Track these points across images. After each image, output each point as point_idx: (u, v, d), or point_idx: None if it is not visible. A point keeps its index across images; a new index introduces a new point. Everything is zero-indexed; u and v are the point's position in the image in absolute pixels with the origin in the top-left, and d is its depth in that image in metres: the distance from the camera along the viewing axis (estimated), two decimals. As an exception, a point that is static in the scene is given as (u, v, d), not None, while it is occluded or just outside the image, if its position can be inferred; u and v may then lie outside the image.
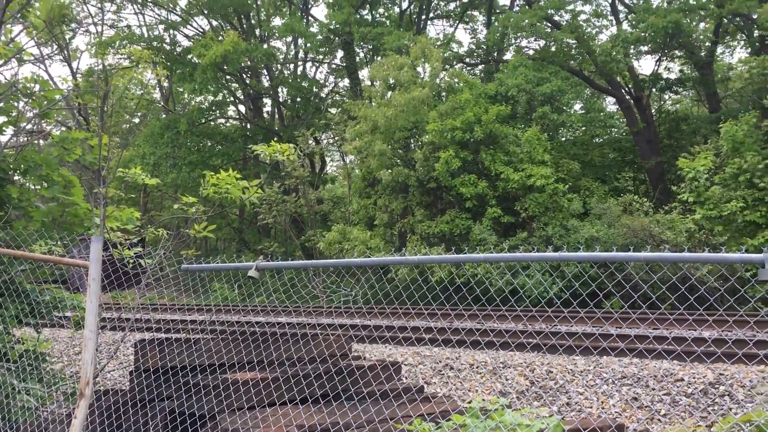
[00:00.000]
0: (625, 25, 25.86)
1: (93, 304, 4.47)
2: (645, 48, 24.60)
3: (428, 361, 9.60)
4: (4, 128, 7.70)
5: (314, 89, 33.95)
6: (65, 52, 35.86)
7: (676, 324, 11.24)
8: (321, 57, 35.35)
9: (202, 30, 34.51)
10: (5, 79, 7.91)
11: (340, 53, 33.61)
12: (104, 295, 4.85)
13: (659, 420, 7.09)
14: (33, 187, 7.75)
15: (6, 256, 5.74)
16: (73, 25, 34.44)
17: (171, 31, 35.46)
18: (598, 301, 15.46)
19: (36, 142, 8.38)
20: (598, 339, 9.80)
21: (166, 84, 36.37)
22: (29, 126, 7.09)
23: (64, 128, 32.82)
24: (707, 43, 24.89)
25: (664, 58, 26.94)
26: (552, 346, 9.33)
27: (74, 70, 36.70)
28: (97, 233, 5.53)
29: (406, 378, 9.01)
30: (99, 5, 34.31)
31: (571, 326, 11.58)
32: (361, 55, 31.63)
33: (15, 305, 6.04)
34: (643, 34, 21.68)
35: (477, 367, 9.08)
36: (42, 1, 7.36)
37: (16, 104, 7.43)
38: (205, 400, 4.77)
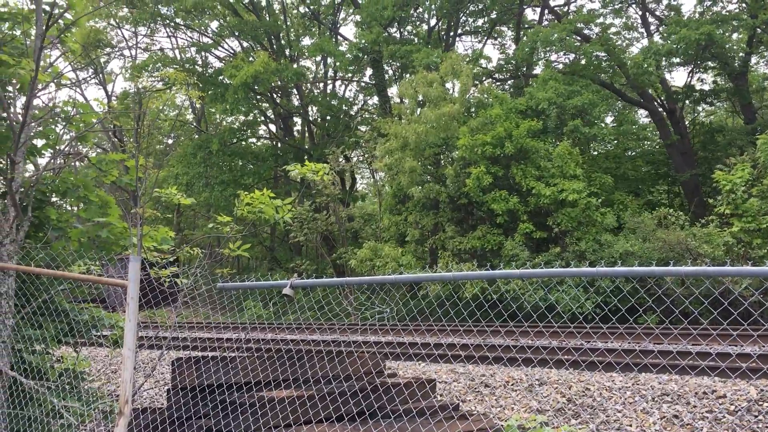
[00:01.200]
0: (656, 38, 25.64)
1: (131, 323, 4.52)
2: (677, 60, 24.34)
3: (463, 378, 9.52)
4: (43, 151, 7.90)
5: (344, 107, 34.20)
6: (100, 76, 36.71)
7: (718, 339, 11.00)
8: (350, 75, 35.63)
9: (233, 51, 35.06)
10: (43, 102, 8.11)
11: (369, 71, 33.86)
12: (141, 313, 4.91)
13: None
14: (71, 208, 7.93)
15: (46, 276, 5.85)
16: (108, 49, 35.25)
17: (203, 53, 36.10)
18: (636, 317, 15.21)
19: (73, 164, 8.56)
20: (637, 355, 9.63)
21: (198, 105, 36.97)
22: (66, 148, 7.24)
23: (100, 150, 33.57)
24: (741, 54, 24.54)
25: (697, 69, 26.63)
26: (589, 362, 9.18)
27: (109, 93, 37.51)
28: (135, 253, 5.61)
29: (441, 395, 8.94)
30: (133, 29, 35.09)
31: (609, 342, 11.40)
32: (390, 72, 31.81)
33: (55, 325, 6.15)
34: (675, 46, 21.45)
35: (513, 384, 8.97)
36: (79, 26, 7.53)
37: (54, 128, 7.62)
38: (242, 418, 4.79)
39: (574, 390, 8.39)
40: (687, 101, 26.97)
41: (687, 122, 27.78)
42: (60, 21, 6.81)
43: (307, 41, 35.26)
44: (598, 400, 8.01)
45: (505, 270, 4.15)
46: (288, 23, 34.14)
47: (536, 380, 8.91)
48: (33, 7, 6.96)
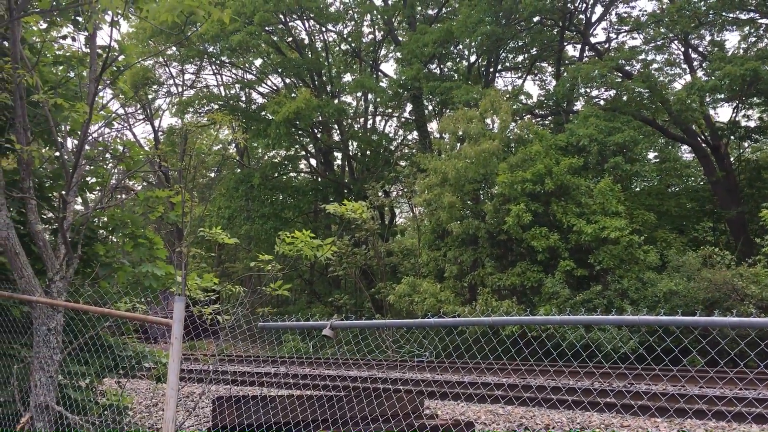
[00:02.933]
0: (699, 73, 25.39)
1: (175, 362, 4.61)
2: (721, 96, 24.00)
3: (502, 420, 9.38)
4: (93, 188, 8.16)
5: (383, 142, 34.51)
6: (147, 112, 37.78)
7: (765, 387, 10.64)
8: (390, 111, 36.02)
9: (276, 87, 35.79)
10: (92, 138, 8.41)
11: (409, 107, 34.18)
12: (183, 346, 4.99)
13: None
14: (117, 241, 8.14)
15: (93, 313, 6.01)
16: (155, 87, 36.33)
17: (247, 90, 36.92)
18: (680, 360, 14.83)
19: (120, 198, 8.79)
20: (683, 402, 9.37)
21: (242, 142, 37.74)
22: (114, 183, 7.48)
23: (145, 183, 34.38)
24: (788, 90, 24.07)
25: (743, 105, 26.21)
26: (633, 409, 8.97)
27: (156, 128, 38.52)
28: (179, 291, 5.73)
29: (480, 438, 8.81)
30: (180, 67, 36.12)
31: (651, 386, 11.12)
32: (430, 108, 32.06)
33: (100, 360, 6.28)
34: (719, 82, 21.19)
35: (553, 428, 8.81)
36: (129, 68, 7.82)
37: (104, 166, 7.88)
38: (281, 460, 4.81)
39: (617, 435, 8.20)
40: (732, 137, 26.51)
41: (732, 158, 27.27)
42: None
43: (348, 77, 35.85)
44: (641, 447, 7.81)
45: (546, 316, 4.13)
46: (330, 60, 34.77)
47: (578, 425, 8.73)
48: (87, 50, 7.27)
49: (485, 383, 12.02)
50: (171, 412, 4.58)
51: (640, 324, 3.89)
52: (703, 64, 26.55)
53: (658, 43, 26.71)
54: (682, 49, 27.47)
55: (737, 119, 26.45)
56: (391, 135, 37.45)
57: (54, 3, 6.74)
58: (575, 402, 9.84)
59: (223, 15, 5.40)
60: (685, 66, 27.88)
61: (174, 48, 31.80)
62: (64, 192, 5.97)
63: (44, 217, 7.20)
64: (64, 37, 7.62)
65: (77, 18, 7.15)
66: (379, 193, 27.41)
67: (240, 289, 6.60)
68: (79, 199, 7.86)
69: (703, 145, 25.36)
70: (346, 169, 36.02)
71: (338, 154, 36.65)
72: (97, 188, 8.02)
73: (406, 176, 27.21)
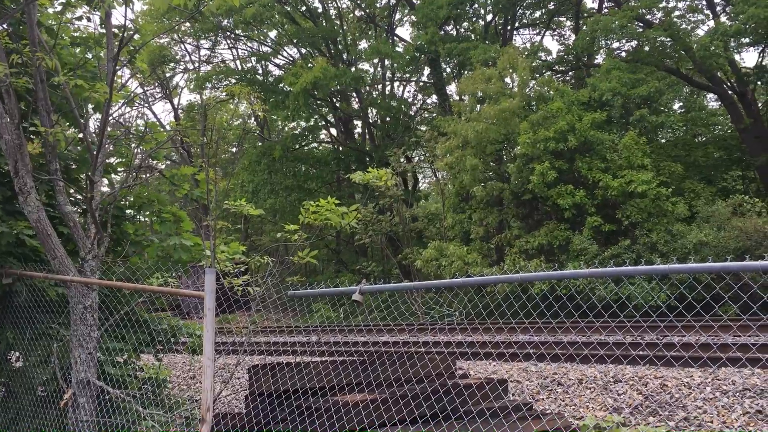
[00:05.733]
0: (723, 18, 24.71)
1: (209, 333, 4.69)
2: (746, 40, 23.36)
3: (535, 377, 9.43)
4: (117, 168, 8.26)
5: (403, 108, 34.29)
6: (166, 90, 37.91)
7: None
8: (408, 76, 35.70)
9: (292, 58, 35.63)
10: (114, 119, 8.48)
11: (426, 70, 33.83)
12: (215, 319, 5.07)
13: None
14: (145, 219, 8.26)
15: (126, 289, 6.12)
16: (172, 64, 36.39)
17: (263, 62, 36.81)
18: (712, 310, 14.73)
19: (144, 176, 8.89)
20: (716, 350, 9.33)
21: (262, 116, 37.79)
22: (138, 163, 7.56)
23: (169, 162, 34.66)
24: (816, 30, 23.36)
25: (769, 49, 25.49)
26: (665, 358, 8.96)
27: (175, 106, 38.67)
28: (209, 264, 5.81)
29: (514, 395, 8.88)
30: (195, 43, 36.08)
31: (685, 337, 11.08)
32: (448, 70, 31.71)
33: (137, 336, 6.42)
34: (743, 26, 20.63)
35: (586, 383, 8.84)
36: (145, 47, 7.83)
37: (128, 146, 7.96)
38: (318, 423, 4.90)
39: (651, 387, 8.21)
40: (759, 82, 25.85)
41: (760, 104, 26.63)
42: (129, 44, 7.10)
43: (364, 44, 35.54)
44: (676, 397, 7.82)
45: (575, 270, 4.12)
46: (344, 28, 34.48)
47: (611, 378, 8.75)
48: (103, 31, 7.30)
49: (516, 341, 12.07)
50: (209, 381, 4.68)
51: (669, 273, 3.87)
52: (727, 9, 25.82)
53: (680, -12, 26.02)
54: (705, -6, 26.73)
55: (764, 63, 25.76)
56: (410, 100, 37.20)
57: (67, -16, 6.75)
58: (607, 355, 9.85)
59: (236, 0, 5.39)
60: (707, 12, 27.12)
61: (188, 24, 31.73)
62: (90, 172, 6.05)
63: (72, 199, 7.31)
64: (80, 18, 7.67)
65: (91, -2, 7.17)
66: (401, 159, 27.32)
67: (268, 259, 6.66)
68: (105, 181, 7.96)
69: (730, 92, 24.80)
70: (367, 136, 35.93)
71: (358, 123, 36.56)
72: (121, 169, 8.12)
73: (427, 141, 27.06)
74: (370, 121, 34.95)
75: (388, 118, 33.89)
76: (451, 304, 17.80)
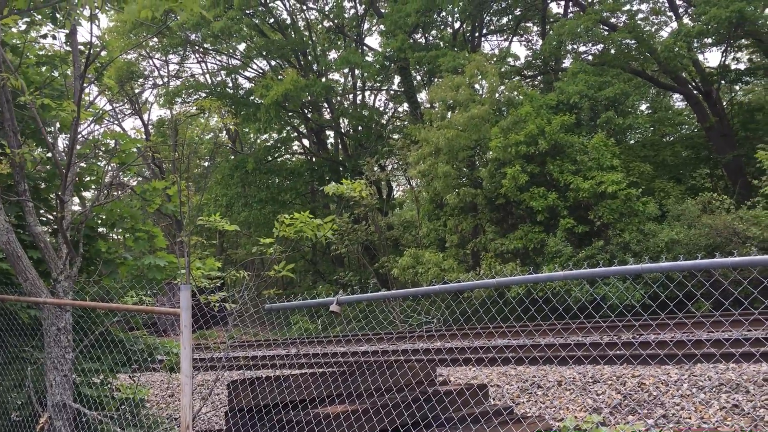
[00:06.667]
0: (685, 19, 25.20)
1: (186, 350, 4.65)
2: (709, 40, 23.86)
3: (514, 381, 9.48)
4: (89, 186, 8.16)
5: (374, 117, 34.37)
6: (136, 106, 37.58)
7: (765, 321, 10.74)
8: (378, 84, 35.81)
9: (262, 70, 35.54)
10: (83, 137, 8.38)
11: (397, 79, 33.97)
12: (192, 335, 5.03)
13: (766, 426, 6.78)
14: (118, 237, 8.16)
15: (101, 309, 6.04)
16: (141, 80, 36.10)
17: (233, 76, 36.68)
18: (685, 307, 14.96)
19: (116, 193, 8.80)
20: (690, 346, 9.47)
21: (233, 129, 37.63)
22: (110, 180, 7.47)
23: (141, 178, 34.31)
24: (775, 29, 23.93)
25: (731, 48, 26.05)
26: (641, 357, 9.07)
27: (146, 122, 38.34)
28: (184, 280, 5.76)
29: (494, 399, 8.92)
30: (163, 58, 35.84)
31: (661, 335, 11.23)
32: (418, 78, 31.88)
33: (112, 356, 6.34)
34: (705, 26, 21.05)
35: (566, 384, 8.91)
36: (113, 63, 7.76)
37: (98, 162, 7.87)
38: (299, 436, 4.87)
39: (629, 386, 8.30)
40: (723, 81, 26.38)
41: (725, 103, 27.17)
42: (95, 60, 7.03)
43: (333, 55, 35.59)
44: (654, 395, 7.91)
45: (550, 273, 4.17)
46: (314, 39, 34.50)
47: (590, 378, 8.83)
48: (69, 48, 7.22)
49: (495, 346, 12.13)
50: (187, 398, 4.63)
51: (642, 272, 3.93)
52: (689, 10, 26.34)
53: (642, -9, 26.51)
54: (667, -3, 27.26)
55: (727, 63, 26.32)
56: (381, 109, 37.30)
57: (31, 2, 6.67)
58: (585, 356, 9.95)
59: (207, 13, 5.39)
60: (670, 14, 27.68)
61: (156, 39, 31.53)
62: (60, 192, 5.97)
63: (43, 219, 7.21)
64: (45, 37, 7.57)
65: (56, 15, 7.09)
66: (375, 168, 27.35)
67: (244, 274, 6.63)
68: (77, 199, 7.86)
69: (695, 91, 25.27)
70: (340, 146, 35.92)
71: (330, 133, 36.55)
72: (93, 186, 8.02)
73: (400, 149, 27.14)
74: (343, 131, 34.97)
75: (360, 128, 33.94)
76: (429, 311, 17.84)
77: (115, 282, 6.68)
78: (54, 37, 7.49)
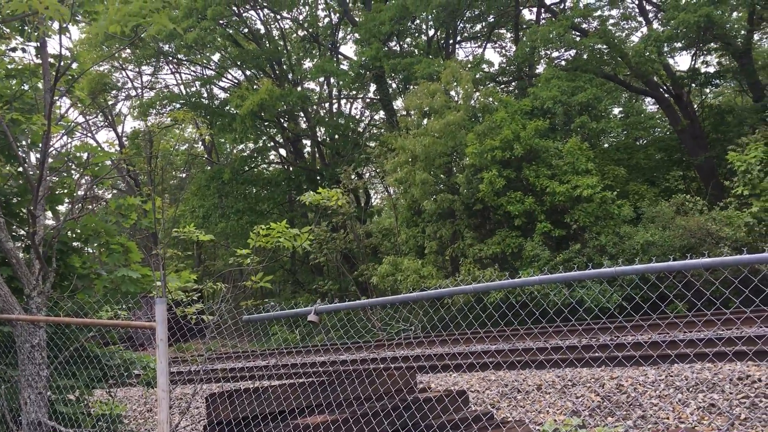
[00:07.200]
0: (655, 24, 25.58)
1: (163, 364, 4.61)
2: (679, 44, 24.24)
3: (494, 386, 9.52)
4: (62, 199, 8.05)
5: (351, 125, 34.39)
6: (109, 118, 37.21)
7: (744, 325, 10.90)
8: (354, 93, 35.86)
9: (237, 80, 35.42)
10: (56, 150, 8.28)
11: (372, 87, 34.05)
12: (170, 349, 4.99)
13: (741, 425, 6.87)
14: (92, 251, 8.05)
15: (76, 325, 5.96)
16: (114, 92, 35.76)
17: (207, 86, 36.51)
18: (659, 311, 15.13)
19: (90, 207, 8.71)
20: (667, 347, 9.58)
21: (208, 140, 37.42)
22: (84, 193, 7.38)
23: (115, 191, 33.96)
24: (743, 32, 24.38)
25: (700, 52, 26.48)
26: (619, 358, 9.15)
27: (120, 134, 37.98)
28: (159, 293, 5.71)
29: (475, 405, 8.94)
30: (137, 69, 35.57)
31: (637, 337, 11.34)
32: (394, 86, 31.99)
33: (88, 372, 6.25)
34: (675, 31, 21.39)
35: (545, 388, 8.96)
36: (85, 76, 7.69)
37: (70, 175, 7.77)
38: (279, 448, 4.84)
39: (607, 388, 8.37)
40: (693, 85, 26.80)
41: (696, 106, 27.59)
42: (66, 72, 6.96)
43: (308, 64, 35.59)
44: (632, 396, 7.98)
45: (527, 278, 4.21)
46: (288, 48, 34.48)
47: (568, 381, 8.89)
48: (39, 61, 7.14)
49: (474, 352, 12.17)
50: (164, 413, 4.59)
51: (616, 275, 3.99)
52: (659, 15, 26.75)
53: (612, -2, 26.87)
54: (637, 2, 27.66)
55: (696, 66, 26.74)
56: (357, 117, 37.33)
57: (-1, 16, 6.60)
58: (563, 360, 10.01)
59: (178, 26, 5.37)
60: (640, 19, 28.09)
61: (128, 50, 31.29)
62: (31, 206, 5.89)
63: (15, 234, 7.10)
64: (14, 50, 7.48)
65: (24, 28, 7.02)
66: (352, 176, 27.34)
67: (221, 285, 6.58)
68: (50, 213, 7.76)
69: (666, 95, 25.65)
70: (317, 155, 35.88)
71: (307, 142, 36.51)
72: (66, 200, 7.91)
73: (377, 157, 27.18)
74: (319, 139, 34.94)
75: (336, 136, 33.94)
76: (407, 319, 17.84)
77: (89, 297, 6.59)
78: (24, 50, 7.40)
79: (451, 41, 31.94)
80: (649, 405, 7.68)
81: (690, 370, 8.35)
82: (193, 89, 36.93)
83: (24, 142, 7.29)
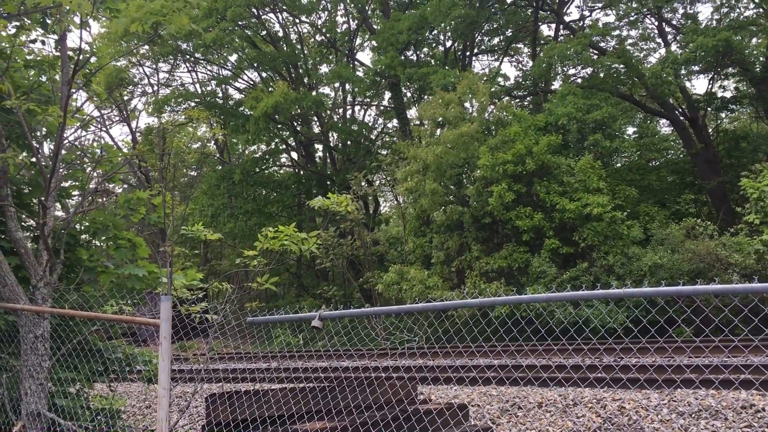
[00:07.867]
0: (674, 47, 25.52)
1: (165, 362, 4.59)
2: (696, 68, 24.17)
3: (495, 401, 9.45)
4: (72, 192, 8.08)
5: (364, 132, 34.43)
6: (124, 113, 37.40)
7: (751, 354, 10.80)
8: (369, 100, 35.91)
9: (252, 82, 35.54)
10: (69, 143, 8.31)
11: (387, 95, 34.09)
12: (172, 346, 4.98)
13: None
14: (100, 244, 8.07)
15: (80, 317, 5.97)
16: (130, 87, 35.96)
17: (223, 86, 36.65)
18: (666, 336, 15.02)
19: (100, 200, 8.73)
20: (670, 372, 9.49)
21: (221, 139, 37.54)
22: (94, 187, 7.40)
23: (126, 186, 34.10)
24: (762, 59, 24.29)
25: (718, 76, 26.40)
26: (622, 381, 9.07)
27: (133, 130, 38.15)
28: (165, 290, 5.70)
29: (475, 419, 8.88)
30: (154, 66, 35.76)
31: (640, 358, 11.25)
32: (408, 95, 32.01)
33: (90, 365, 6.25)
34: (693, 54, 21.33)
35: (546, 406, 8.89)
36: (103, 70, 7.73)
37: (82, 170, 7.80)
38: (277, 453, 4.82)
39: (609, 409, 8.30)
40: (709, 109, 26.70)
41: (710, 130, 27.50)
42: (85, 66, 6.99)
43: (324, 69, 35.68)
44: (634, 419, 7.91)
45: (533, 294, 4.18)
46: (305, 52, 34.58)
47: (570, 401, 8.82)
48: (58, 54, 7.18)
49: (476, 366, 12.10)
50: (164, 411, 4.57)
51: (624, 297, 3.96)
52: (677, 37, 26.70)
53: (632, 18, 26.83)
54: (656, 24, 27.61)
55: (713, 90, 26.65)
56: (370, 124, 37.38)
57: (21, 7, 6.64)
58: (566, 378, 9.94)
59: (197, 26, 5.38)
60: (659, 40, 28.05)
61: (146, 47, 31.46)
62: (43, 198, 5.91)
63: (24, 225, 7.12)
64: (34, 41, 7.52)
65: (46, 20, 7.06)
66: (362, 183, 27.35)
67: (227, 286, 6.57)
68: (59, 205, 7.78)
69: (681, 117, 25.56)
70: (328, 160, 35.91)
71: (319, 146, 36.56)
72: (77, 193, 7.94)
73: (388, 165, 27.19)
74: (331, 144, 34.99)
75: (349, 142, 33.98)
76: (411, 329, 17.79)
77: (95, 290, 6.60)
78: (43, 42, 7.44)
79: (468, 53, 31.97)
80: (651, 429, 7.60)
81: (694, 396, 8.27)
82: (209, 88, 37.11)
83: (38, 133, 7.33)
